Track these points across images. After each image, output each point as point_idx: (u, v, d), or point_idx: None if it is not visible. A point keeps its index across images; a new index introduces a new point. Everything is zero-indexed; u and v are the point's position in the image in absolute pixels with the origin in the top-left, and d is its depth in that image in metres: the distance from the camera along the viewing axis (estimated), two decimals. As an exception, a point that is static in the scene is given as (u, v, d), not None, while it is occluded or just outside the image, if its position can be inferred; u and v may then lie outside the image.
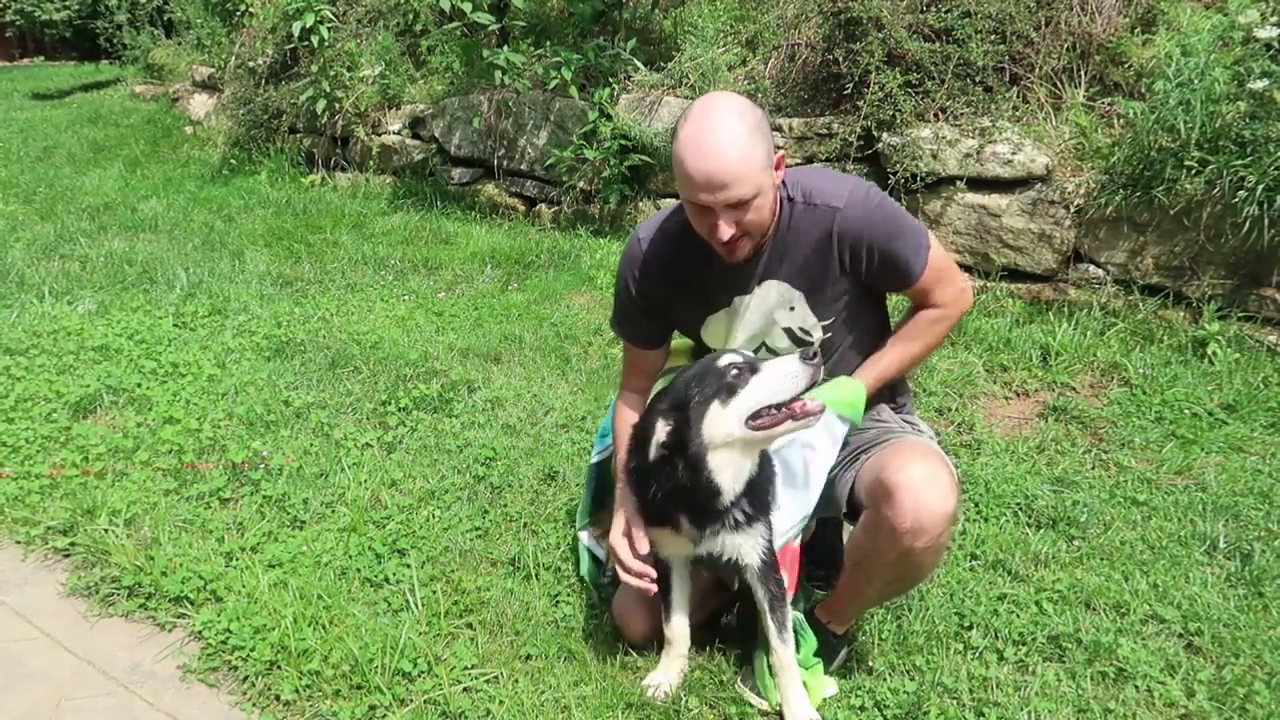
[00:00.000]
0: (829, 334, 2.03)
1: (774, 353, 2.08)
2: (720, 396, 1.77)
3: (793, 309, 2.01)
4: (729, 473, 1.80)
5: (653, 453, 1.83)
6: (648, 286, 2.07)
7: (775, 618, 1.92)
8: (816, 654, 2.02)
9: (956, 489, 1.78)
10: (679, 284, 2.06)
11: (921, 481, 1.74)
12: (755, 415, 1.76)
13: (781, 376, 1.75)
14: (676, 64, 5.35)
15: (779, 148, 1.96)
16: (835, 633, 2.07)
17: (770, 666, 1.97)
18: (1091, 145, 4.11)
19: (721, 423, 1.76)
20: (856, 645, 2.17)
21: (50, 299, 4.53)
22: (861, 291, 2.00)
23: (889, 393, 2.13)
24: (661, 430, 1.81)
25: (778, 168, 1.87)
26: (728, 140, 1.75)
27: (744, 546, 1.89)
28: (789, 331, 2.04)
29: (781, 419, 1.76)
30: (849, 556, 1.97)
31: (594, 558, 2.41)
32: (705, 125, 1.77)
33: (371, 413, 3.40)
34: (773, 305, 2.01)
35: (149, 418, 3.31)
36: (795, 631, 1.97)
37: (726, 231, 1.83)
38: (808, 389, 1.75)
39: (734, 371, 1.79)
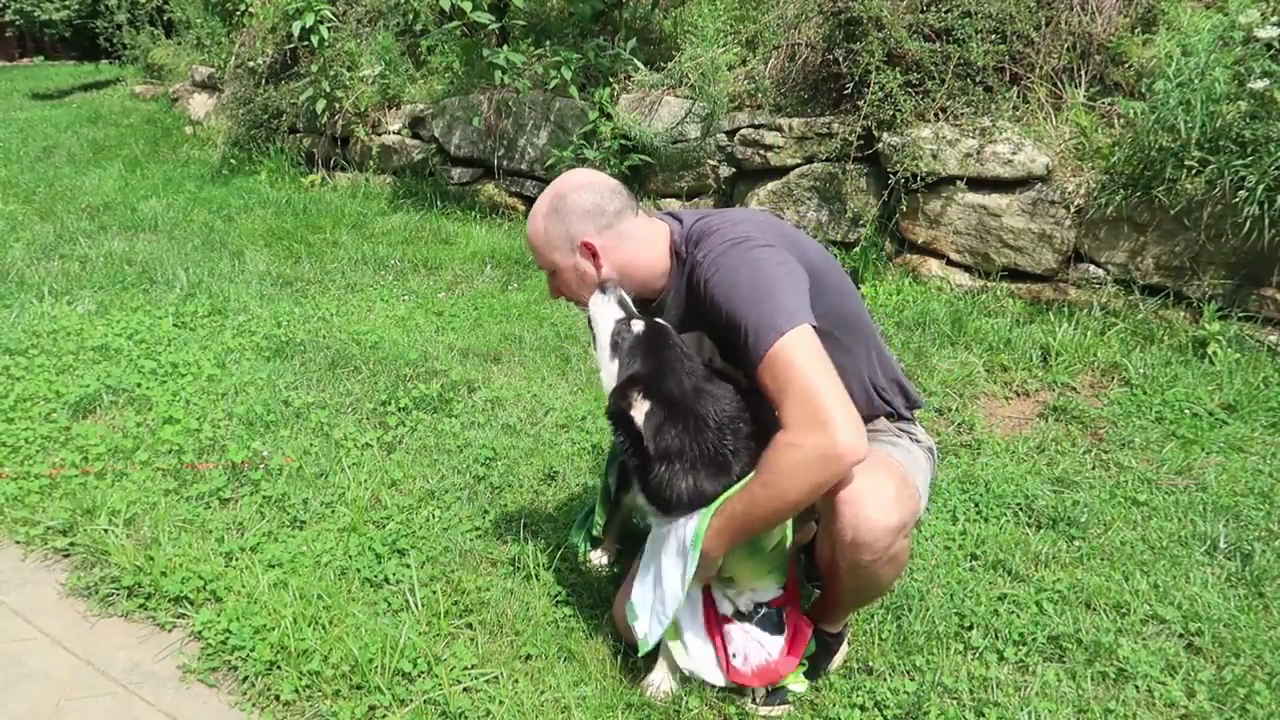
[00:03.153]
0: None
1: None
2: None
3: (711, 360, 1.97)
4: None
5: None
6: None
7: None
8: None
9: (904, 502, 1.73)
10: None
11: (861, 495, 1.69)
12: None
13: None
14: (676, 64, 5.35)
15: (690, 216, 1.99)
16: (829, 631, 2.07)
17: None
18: (1092, 145, 4.11)
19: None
20: (857, 645, 2.17)
21: (50, 299, 4.52)
22: None
23: (898, 399, 2.07)
24: None
25: (594, 256, 1.91)
26: (532, 217, 1.98)
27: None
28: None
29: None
30: (818, 562, 1.97)
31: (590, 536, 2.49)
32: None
33: (371, 413, 3.40)
34: (701, 350, 1.97)
35: (149, 418, 3.31)
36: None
37: (553, 291, 2.06)
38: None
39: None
